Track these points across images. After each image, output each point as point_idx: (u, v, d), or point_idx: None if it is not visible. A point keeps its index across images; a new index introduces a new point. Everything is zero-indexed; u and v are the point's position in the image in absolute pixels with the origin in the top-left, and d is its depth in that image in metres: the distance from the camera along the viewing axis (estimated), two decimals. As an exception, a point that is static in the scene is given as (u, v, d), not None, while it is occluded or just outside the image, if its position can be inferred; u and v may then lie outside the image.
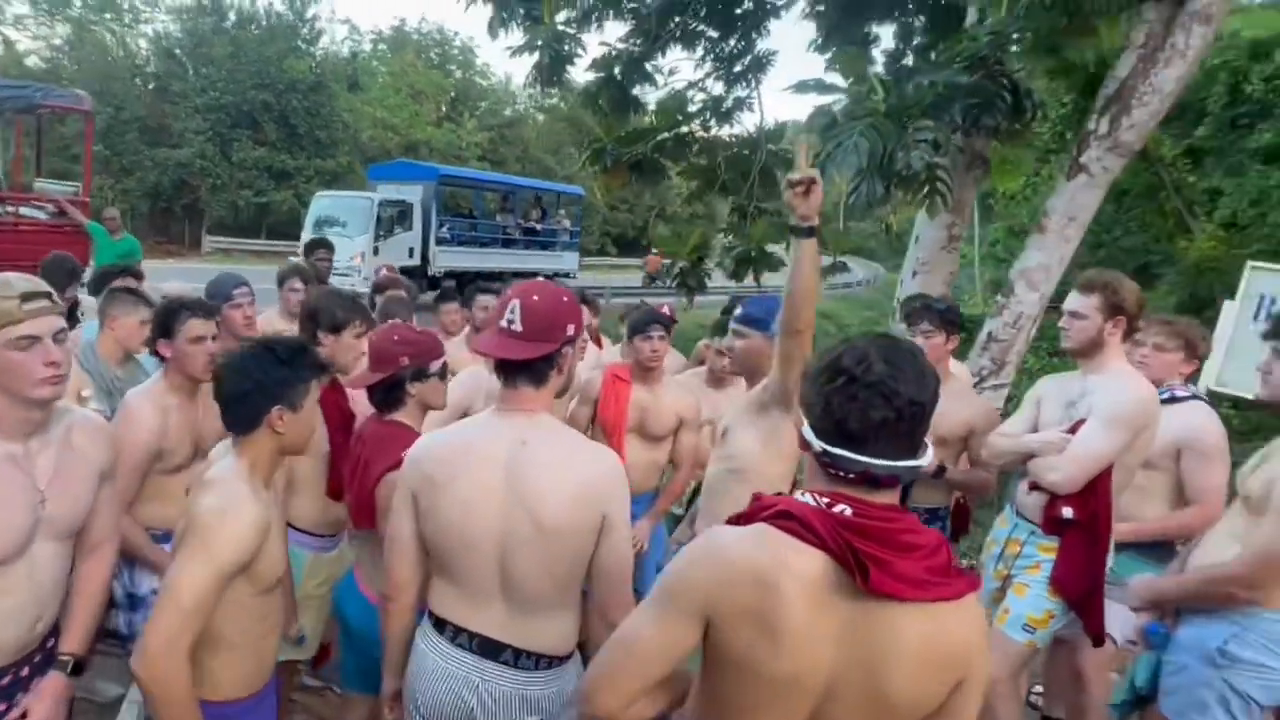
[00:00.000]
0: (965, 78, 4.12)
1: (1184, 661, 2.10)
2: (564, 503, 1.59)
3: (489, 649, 1.65)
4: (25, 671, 1.69)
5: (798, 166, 1.82)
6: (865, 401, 1.10)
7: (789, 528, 1.13)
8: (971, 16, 4.97)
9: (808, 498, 1.16)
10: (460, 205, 19.90)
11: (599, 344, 4.49)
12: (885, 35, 5.98)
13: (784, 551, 1.12)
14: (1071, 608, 2.43)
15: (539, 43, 5.70)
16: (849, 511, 1.11)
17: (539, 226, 19.63)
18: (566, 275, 18.68)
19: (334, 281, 5.39)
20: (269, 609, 1.77)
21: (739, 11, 6.22)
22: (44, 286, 1.62)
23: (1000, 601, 2.56)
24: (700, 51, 6.30)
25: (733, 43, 6.28)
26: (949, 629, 1.11)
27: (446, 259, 16.46)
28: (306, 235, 13.43)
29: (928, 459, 1.15)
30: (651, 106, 6.33)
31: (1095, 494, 2.35)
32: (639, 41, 6.17)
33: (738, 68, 6.26)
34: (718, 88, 6.30)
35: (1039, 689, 3.39)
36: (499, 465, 1.62)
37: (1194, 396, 2.76)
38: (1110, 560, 2.45)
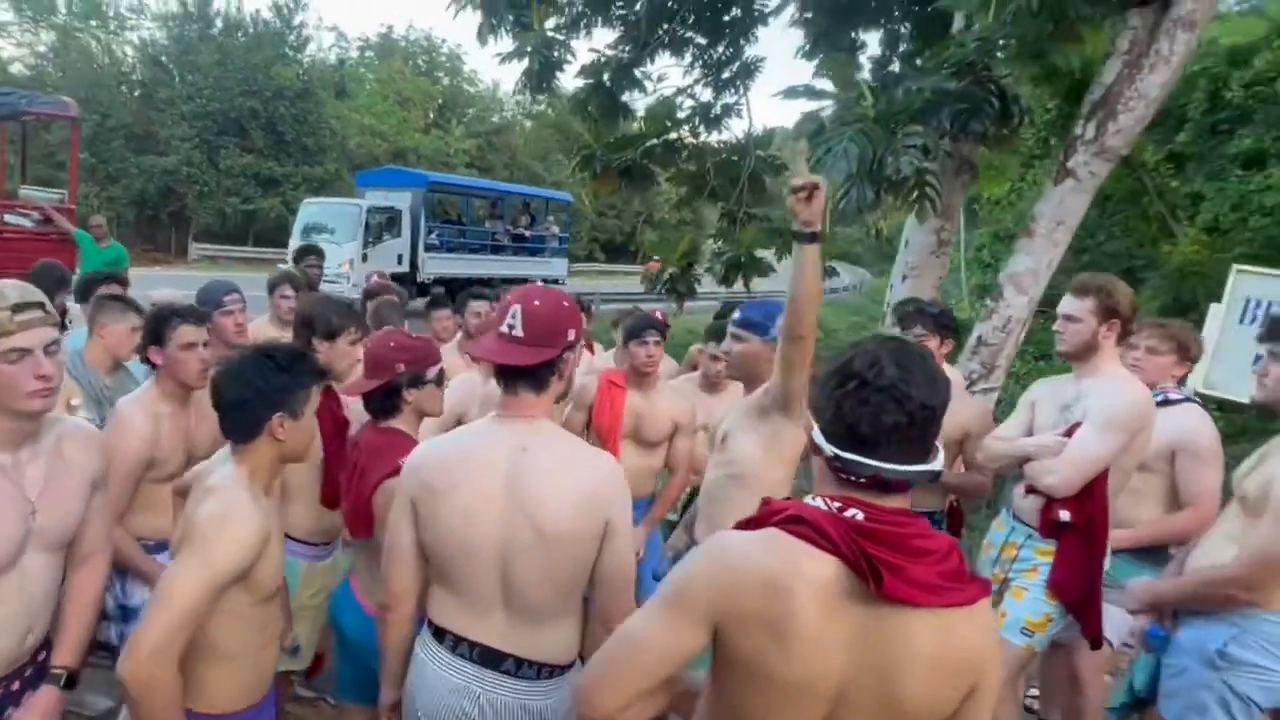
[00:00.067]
0: (953, 83, 4.15)
1: (1184, 664, 2.10)
2: (565, 509, 1.58)
3: (490, 658, 1.63)
4: (16, 685, 1.66)
5: (799, 172, 1.82)
6: (877, 406, 1.09)
7: (800, 532, 1.12)
8: (958, 23, 5.01)
9: (818, 502, 1.15)
10: (449, 212, 19.88)
11: (590, 350, 4.48)
12: (872, 42, 6.03)
13: (796, 556, 1.11)
14: (1069, 611, 2.43)
15: (528, 49, 5.71)
16: (861, 516, 1.10)
17: (528, 233, 19.64)
18: (555, 281, 18.66)
19: (323, 289, 5.36)
20: (268, 619, 1.75)
21: (727, 19, 6.26)
22: (37, 296, 1.59)
23: (998, 605, 2.56)
24: (689, 58, 6.35)
25: (721, 49, 6.32)
26: (962, 635, 1.10)
27: (435, 266, 16.44)
28: (295, 242, 13.38)
29: (939, 463, 1.14)
30: (640, 113, 6.35)
31: (1092, 497, 2.35)
32: (628, 48, 6.20)
33: (726, 74, 6.30)
34: (706, 94, 6.36)
35: (1034, 692, 3.39)
36: (500, 472, 1.60)
37: (1187, 399, 2.78)
38: (1106, 563, 2.46)
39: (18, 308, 1.53)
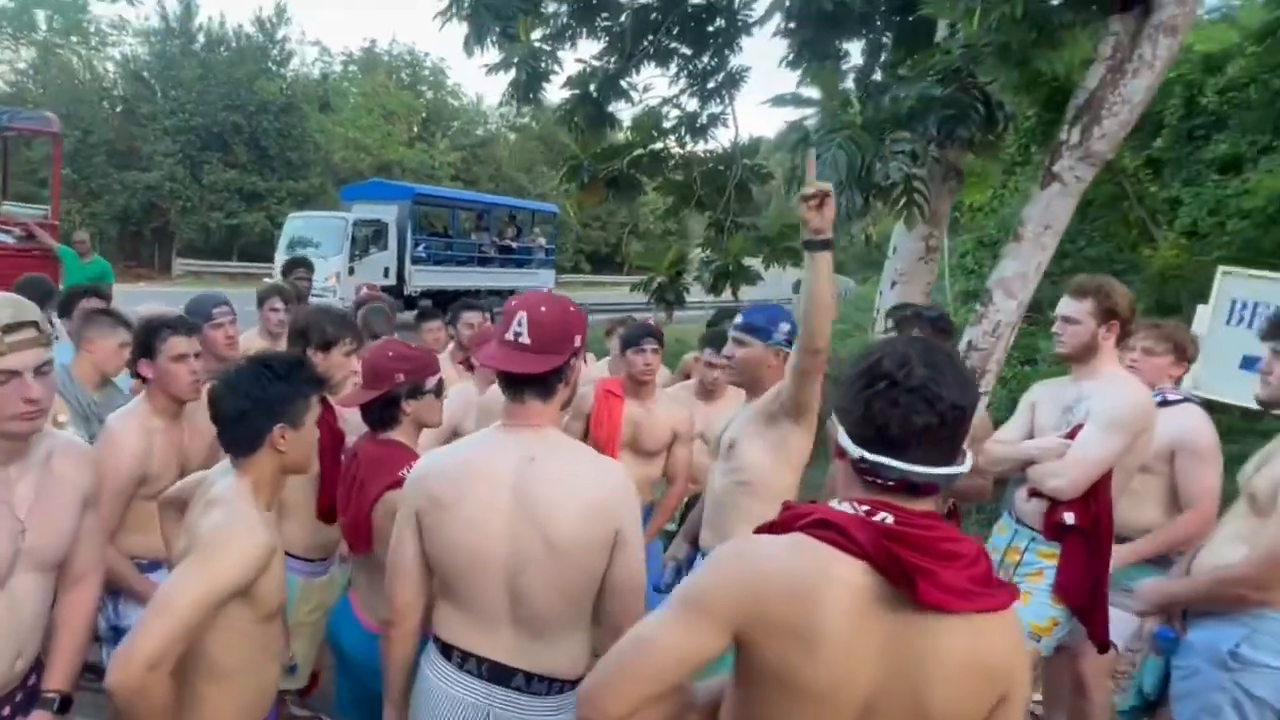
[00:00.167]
0: (939, 90, 4.19)
1: (1195, 665, 2.08)
2: (574, 519, 1.54)
3: (499, 674, 1.59)
4: (6, 711, 1.61)
5: (808, 180, 1.81)
6: (908, 406, 1.06)
7: (828, 537, 1.09)
8: (942, 31, 5.06)
9: (845, 506, 1.12)
10: (435, 224, 19.82)
11: (583, 360, 4.46)
12: (854, 52, 6.09)
13: (824, 561, 1.08)
14: (1075, 614, 2.42)
15: (515, 60, 5.70)
16: (890, 520, 1.08)
17: (514, 244, 19.62)
18: (543, 293, 18.63)
19: (311, 302, 5.31)
20: (270, 637, 1.71)
21: (711, 29, 6.29)
22: (30, 315, 1.53)
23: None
24: (674, 68, 6.36)
25: (706, 60, 6.34)
26: (993, 642, 1.08)
27: (423, 278, 16.36)
28: (280, 257, 13.29)
29: (967, 466, 1.12)
30: (627, 123, 6.37)
31: (1096, 499, 2.35)
32: (614, 59, 6.21)
33: (711, 84, 6.33)
34: (692, 104, 6.38)
35: (1038, 697, 3.38)
36: (506, 483, 1.57)
37: (1185, 399, 2.79)
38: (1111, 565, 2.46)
39: (9, 328, 1.48)
